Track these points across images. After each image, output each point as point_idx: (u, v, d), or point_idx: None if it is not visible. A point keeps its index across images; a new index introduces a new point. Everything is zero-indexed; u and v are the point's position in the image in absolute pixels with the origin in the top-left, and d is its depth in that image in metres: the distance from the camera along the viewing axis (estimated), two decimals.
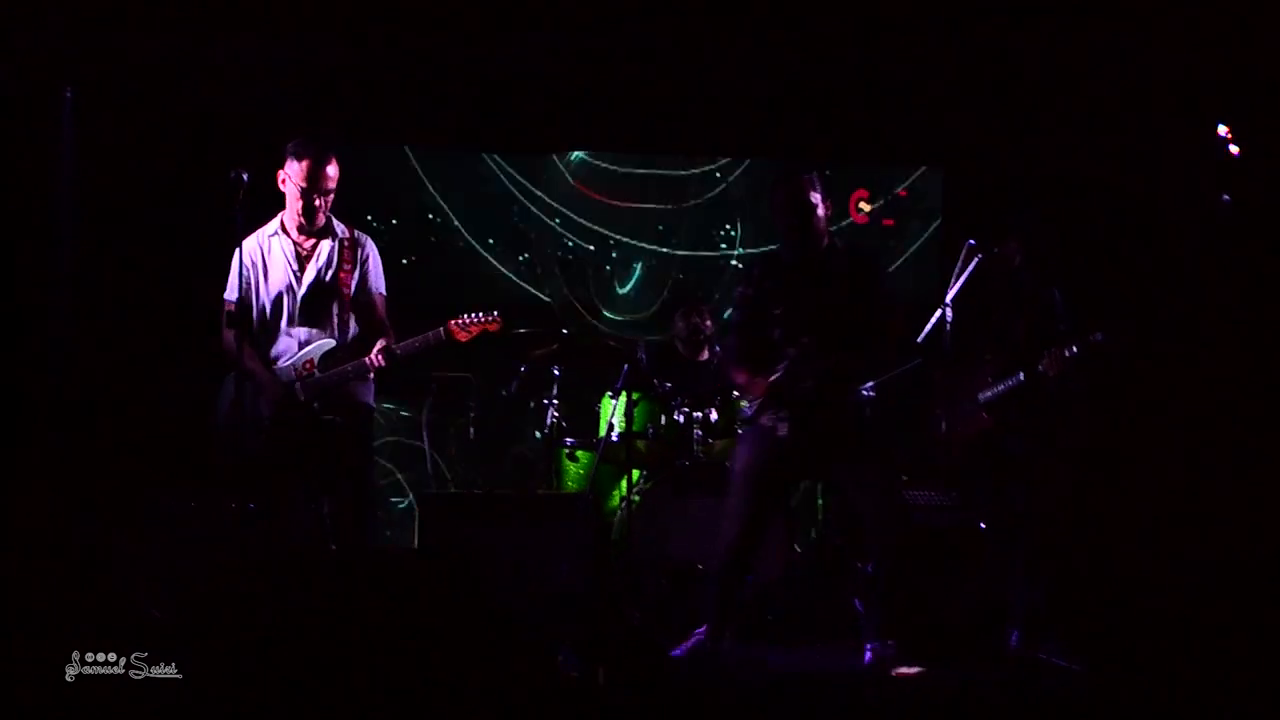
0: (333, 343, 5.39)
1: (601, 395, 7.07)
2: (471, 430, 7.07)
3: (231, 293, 5.35)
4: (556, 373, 7.05)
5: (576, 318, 8.27)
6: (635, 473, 6.72)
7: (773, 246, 6.44)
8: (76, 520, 5.96)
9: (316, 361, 5.36)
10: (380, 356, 5.30)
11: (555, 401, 7.04)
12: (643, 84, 7.79)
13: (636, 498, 6.57)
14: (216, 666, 4.03)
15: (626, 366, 6.70)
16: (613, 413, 6.79)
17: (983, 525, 6.10)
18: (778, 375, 5.30)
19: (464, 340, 5.45)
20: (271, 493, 5.27)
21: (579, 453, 7.00)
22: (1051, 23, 6.99)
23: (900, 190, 8.43)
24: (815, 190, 5.40)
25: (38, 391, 6.63)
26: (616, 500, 6.83)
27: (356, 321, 5.47)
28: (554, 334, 6.94)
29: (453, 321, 5.43)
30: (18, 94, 6.80)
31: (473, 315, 5.44)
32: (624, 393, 6.56)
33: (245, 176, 5.01)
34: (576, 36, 7.30)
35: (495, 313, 5.48)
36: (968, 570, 6.04)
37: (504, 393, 7.36)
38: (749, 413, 5.47)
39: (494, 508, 6.41)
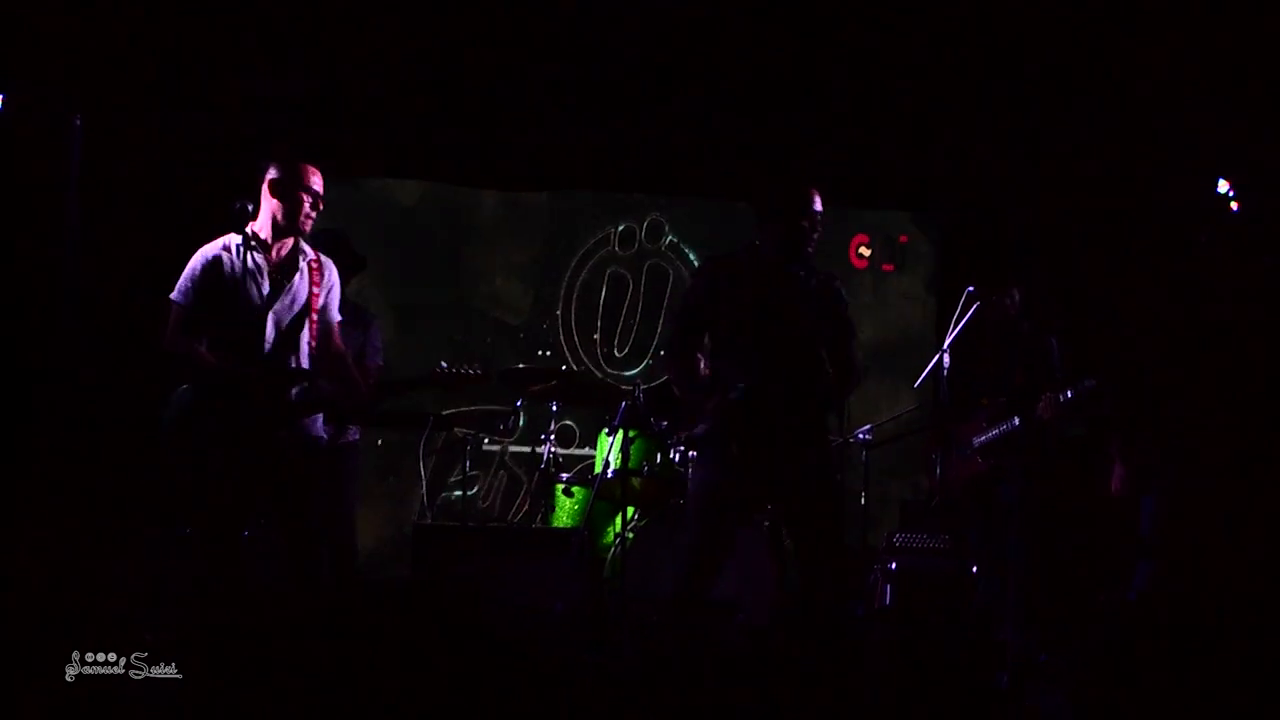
0: (305, 368, 5.05)
1: (598, 432, 7.12)
2: (468, 463, 7.10)
3: (181, 296, 4.97)
4: (554, 408, 7.09)
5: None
6: (630, 509, 6.76)
7: None
8: (73, 541, 5.96)
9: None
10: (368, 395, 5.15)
11: (552, 437, 7.09)
12: (641, 128, 7.89)
13: (631, 535, 6.59)
14: (216, 666, 4.04)
15: (625, 404, 6.75)
16: (609, 449, 6.82)
17: (974, 568, 6.14)
18: (737, 394, 4.91)
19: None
20: (225, 516, 4.93)
21: (574, 488, 7.03)
22: (1053, 68, 7.12)
23: (901, 236, 8.52)
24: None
25: (40, 400, 6.66)
26: (611, 536, 6.85)
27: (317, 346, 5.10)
28: (553, 370, 6.98)
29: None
30: (28, 121, 6.86)
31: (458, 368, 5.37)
32: (621, 430, 6.60)
33: (250, 207, 4.93)
34: (570, 73, 7.43)
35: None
36: (959, 612, 6.07)
37: (501, 427, 7.40)
38: (700, 432, 5.06)
39: (488, 541, 6.42)
